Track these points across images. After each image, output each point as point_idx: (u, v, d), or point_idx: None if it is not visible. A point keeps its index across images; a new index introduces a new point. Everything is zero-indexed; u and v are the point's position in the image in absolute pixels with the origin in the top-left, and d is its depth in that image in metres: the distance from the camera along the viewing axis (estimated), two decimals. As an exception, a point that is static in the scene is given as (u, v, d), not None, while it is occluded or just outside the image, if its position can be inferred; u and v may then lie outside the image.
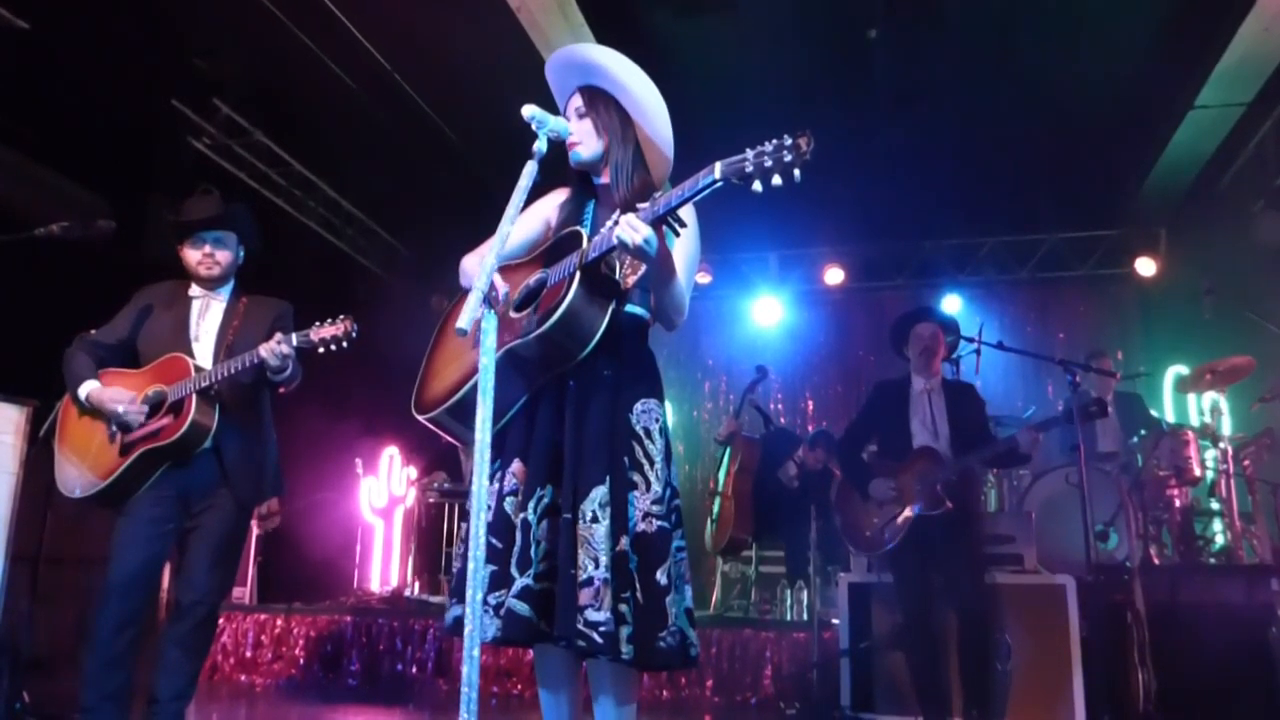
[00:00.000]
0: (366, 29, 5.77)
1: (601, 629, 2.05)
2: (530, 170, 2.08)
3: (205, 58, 6.13)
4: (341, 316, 3.10)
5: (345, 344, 3.08)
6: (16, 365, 3.65)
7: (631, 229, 2.06)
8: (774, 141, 1.90)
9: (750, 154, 1.92)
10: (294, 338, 3.08)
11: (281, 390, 3.29)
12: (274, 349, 3.04)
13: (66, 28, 5.12)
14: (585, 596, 2.08)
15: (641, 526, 2.20)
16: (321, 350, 3.09)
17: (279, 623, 5.77)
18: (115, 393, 3.16)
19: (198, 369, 3.15)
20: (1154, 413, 6.88)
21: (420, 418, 2.40)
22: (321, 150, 7.29)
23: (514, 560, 2.16)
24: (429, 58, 6.08)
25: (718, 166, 1.95)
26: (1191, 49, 5.89)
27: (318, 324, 3.11)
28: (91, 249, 3.50)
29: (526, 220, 2.49)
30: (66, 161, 5.45)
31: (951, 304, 8.45)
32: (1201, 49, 5.85)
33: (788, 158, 1.88)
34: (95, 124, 5.48)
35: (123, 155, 5.69)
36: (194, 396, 3.10)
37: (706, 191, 2.00)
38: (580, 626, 2.06)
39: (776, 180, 1.89)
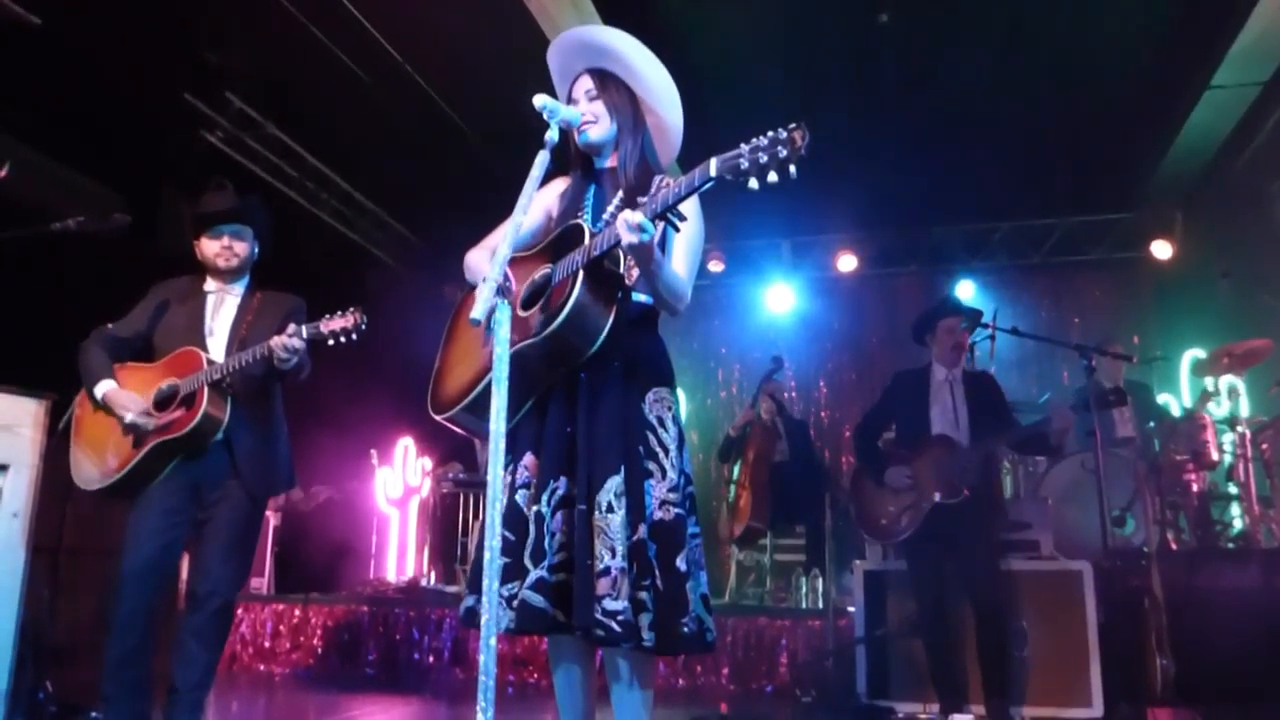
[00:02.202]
0: (376, 19, 5.77)
1: (620, 618, 2.06)
2: (542, 160, 2.08)
3: (216, 51, 6.14)
4: (351, 309, 3.10)
5: (355, 336, 3.08)
6: (34, 359, 3.67)
7: (632, 229, 2.04)
8: (769, 135, 1.87)
9: (745, 149, 1.88)
10: (304, 330, 3.09)
11: (290, 379, 3.31)
12: (285, 341, 3.06)
13: (78, 23, 5.14)
14: (603, 586, 2.08)
15: (659, 515, 2.20)
16: (331, 342, 3.10)
17: (297, 612, 5.82)
18: (126, 397, 3.18)
19: (210, 362, 3.17)
20: (1161, 401, 6.86)
21: (438, 417, 2.40)
22: (333, 142, 7.31)
23: (528, 552, 2.17)
24: (439, 48, 6.08)
25: (713, 163, 1.93)
26: (1207, 29, 5.83)
27: (327, 316, 3.12)
28: (106, 243, 3.51)
29: (529, 212, 2.49)
30: (80, 156, 5.47)
31: (965, 290, 8.41)
32: (1217, 28, 5.78)
33: (783, 153, 1.84)
34: (108, 119, 5.51)
35: (136, 149, 5.71)
36: (206, 389, 3.12)
37: (702, 189, 1.99)
38: (599, 616, 2.06)
39: (772, 177, 1.86)
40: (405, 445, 7.91)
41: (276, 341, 3.06)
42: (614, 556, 2.10)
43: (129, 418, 3.14)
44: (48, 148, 5.33)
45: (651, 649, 2.13)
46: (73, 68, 5.28)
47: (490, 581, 1.80)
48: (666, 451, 2.26)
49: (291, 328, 3.09)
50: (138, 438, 3.16)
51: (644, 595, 2.12)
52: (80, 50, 5.31)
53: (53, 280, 4.53)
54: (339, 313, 3.11)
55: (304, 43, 5.79)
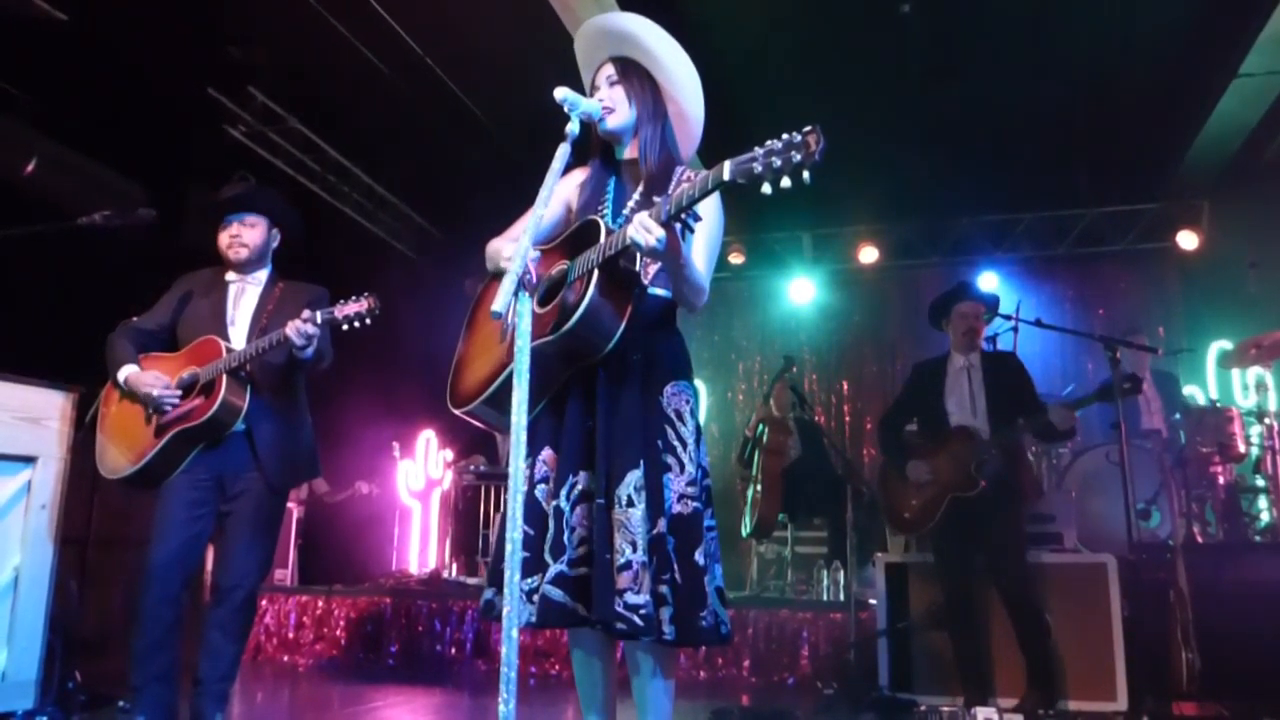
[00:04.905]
0: (397, 13, 5.78)
1: (642, 612, 2.06)
2: (563, 152, 2.08)
3: (239, 46, 6.18)
4: (365, 294, 3.12)
5: (368, 320, 3.10)
6: (61, 352, 3.72)
7: (645, 231, 2.03)
8: (784, 138, 1.85)
9: (759, 153, 1.87)
10: (318, 315, 3.11)
11: (310, 369, 3.32)
12: (299, 326, 3.06)
13: (103, 19, 5.18)
14: (624, 580, 2.08)
15: (678, 509, 2.20)
16: (345, 327, 3.12)
17: (320, 604, 5.86)
18: (150, 376, 3.21)
19: (229, 350, 3.19)
20: (1186, 392, 6.79)
21: (457, 411, 2.40)
22: (355, 136, 7.34)
23: (547, 546, 2.17)
24: (460, 41, 6.09)
25: (727, 167, 1.92)
26: (1236, 15, 5.74)
27: (341, 301, 3.13)
28: (133, 237, 3.55)
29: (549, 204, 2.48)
30: (106, 151, 5.53)
31: (988, 281, 8.33)
32: (1246, 14, 5.69)
33: (797, 158, 1.82)
34: (133, 114, 5.56)
35: (161, 144, 5.76)
36: (224, 377, 3.14)
37: (715, 191, 1.98)
38: (620, 609, 2.06)
39: (785, 183, 1.85)
40: (427, 437, 7.95)
41: (291, 326, 3.07)
42: (635, 550, 2.10)
43: (154, 392, 3.16)
44: (73, 143, 5.39)
45: (672, 641, 2.14)
46: (97, 63, 5.33)
47: (511, 574, 1.80)
48: (685, 445, 2.26)
49: (306, 313, 3.09)
50: (159, 427, 3.20)
51: (664, 589, 2.12)
52: (105, 46, 5.36)
53: (79, 274, 4.58)
54: (353, 297, 3.13)
55: (327, 37, 5.81)
